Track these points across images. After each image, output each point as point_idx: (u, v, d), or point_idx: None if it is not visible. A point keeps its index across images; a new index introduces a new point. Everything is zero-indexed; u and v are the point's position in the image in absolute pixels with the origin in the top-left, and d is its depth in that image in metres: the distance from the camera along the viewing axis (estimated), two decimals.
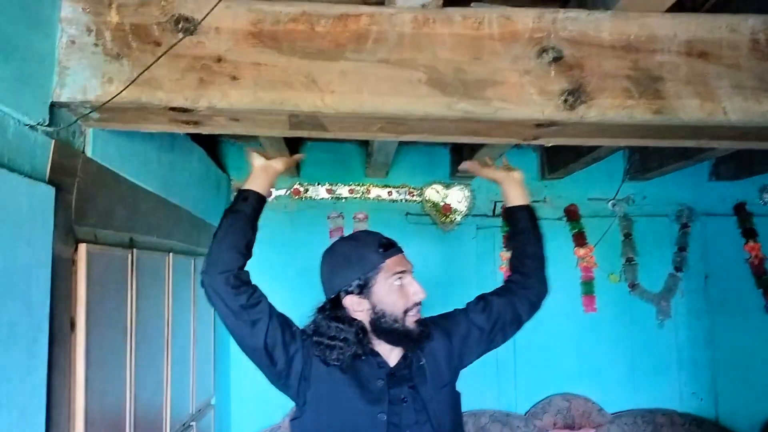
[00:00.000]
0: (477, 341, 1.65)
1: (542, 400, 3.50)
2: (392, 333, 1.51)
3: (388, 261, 1.52)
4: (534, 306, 1.72)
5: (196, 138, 2.58)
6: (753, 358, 3.65)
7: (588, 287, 3.60)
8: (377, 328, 1.52)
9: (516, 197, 1.77)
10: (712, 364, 3.63)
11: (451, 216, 3.61)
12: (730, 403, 3.61)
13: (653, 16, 1.45)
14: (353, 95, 1.42)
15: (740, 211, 3.71)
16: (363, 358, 1.52)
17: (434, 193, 3.64)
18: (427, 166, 3.63)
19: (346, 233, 3.40)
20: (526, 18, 1.46)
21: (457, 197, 3.63)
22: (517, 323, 1.70)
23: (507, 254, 3.53)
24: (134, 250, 1.85)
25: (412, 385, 1.51)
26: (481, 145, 2.87)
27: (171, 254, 2.25)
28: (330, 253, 1.59)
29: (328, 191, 3.52)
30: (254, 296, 1.47)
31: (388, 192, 3.55)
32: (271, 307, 1.50)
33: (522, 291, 1.70)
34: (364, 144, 3.23)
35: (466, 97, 1.45)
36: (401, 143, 3.14)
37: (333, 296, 1.55)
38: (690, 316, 3.65)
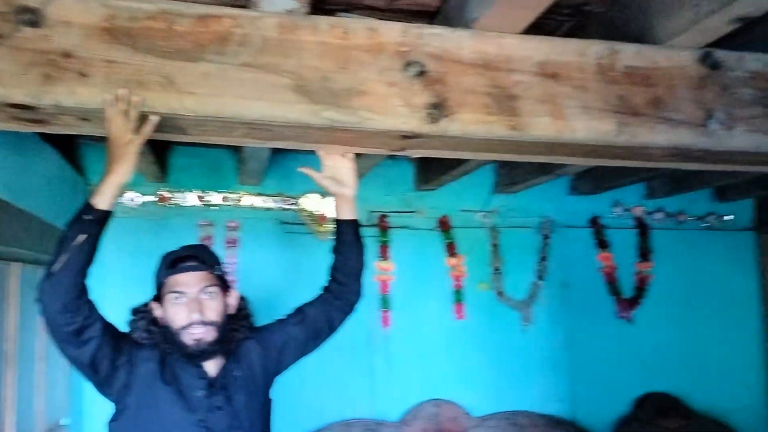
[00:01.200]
0: (292, 351, 1.83)
1: (414, 406, 3.56)
2: (175, 345, 1.65)
3: (170, 278, 1.67)
4: (347, 314, 1.88)
5: (50, 138, 2.40)
6: (607, 360, 3.92)
7: (458, 295, 3.72)
8: (167, 336, 1.65)
9: (345, 211, 1.89)
10: (570, 366, 3.87)
11: (327, 226, 3.60)
12: (587, 403, 3.85)
13: (509, 38, 1.52)
14: (214, 98, 1.38)
15: (595, 223, 3.99)
16: (184, 367, 1.65)
17: (310, 202, 3.61)
18: (302, 174, 3.60)
19: (217, 242, 3.36)
20: (392, 31, 1.49)
21: (333, 207, 3.62)
22: (330, 329, 1.88)
23: (383, 264, 3.59)
24: None
25: (228, 394, 1.67)
26: (357, 155, 2.90)
27: (17, 264, 2.08)
28: None
29: (199, 198, 3.41)
30: (89, 318, 1.51)
31: (263, 200, 3.49)
32: (104, 325, 1.56)
33: (337, 301, 1.86)
34: (237, 150, 3.15)
35: (333, 105, 1.46)
36: (276, 150, 3.10)
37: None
38: (550, 322, 3.87)
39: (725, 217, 4.18)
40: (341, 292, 1.86)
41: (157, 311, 1.70)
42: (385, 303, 3.55)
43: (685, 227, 4.14)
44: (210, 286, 1.69)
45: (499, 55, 1.52)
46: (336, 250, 1.91)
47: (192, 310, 1.63)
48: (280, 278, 3.46)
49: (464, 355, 3.71)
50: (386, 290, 3.57)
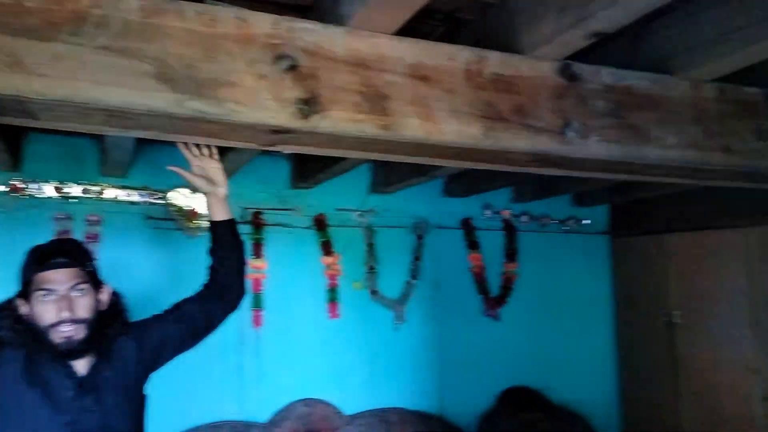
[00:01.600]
0: (169, 348, 1.82)
1: (284, 407, 3.51)
2: (43, 344, 1.59)
3: (39, 275, 1.61)
4: (228, 312, 1.89)
5: None
6: (474, 357, 4.07)
7: (333, 294, 3.71)
8: (34, 335, 1.59)
9: (220, 211, 1.90)
10: (439, 363, 3.98)
11: (197, 222, 3.47)
12: (454, 398, 3.98)
13: (383, 38, 1.53)
14: (67, 81, 1.27)
15: (466, 225, 4.14)
16: (53, 367, 1.59)
17: (180, 196, 3.46)
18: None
19: (76, 237, 3.13)
20: (262, 23, 1.45)
21: (204, 202, 3.49)
22: (209, 327, 1.88)
23: (257, 262, 3.51)
24: None
25: (99, 395, 1.63)
26: (228, 149, 2.81)
27: None
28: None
29: (56, 189, 3.16)
30: None
31: (127, 193, 3.30)
32: None
33: (218, 299, 1.86)
34: (99, 139, 2.95)
35: (197, 95, 1.39)
36: (142, 141, 2.94)
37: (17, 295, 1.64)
38: (422, 320, 3.96)
39: (583, 221, 4.48)
40: (223, 292, 1.86)
41: (23, 308, 1.64)
42: (257, 302, 3.48)
43: (548, 230, 4.40)
44: (80, 283, 1.65)
45: (371, 54, 1.52)
46: (213, 251, 1.89)
47: (61, 308, 1.59)
48: (146, 277, 3.29)
49: (337, 354, 3.71)
50: (259, 289, 3.50)
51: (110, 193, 3.25)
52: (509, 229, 4.26)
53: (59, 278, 1.62)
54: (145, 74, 1.34)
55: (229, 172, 3.20)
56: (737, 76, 1.87)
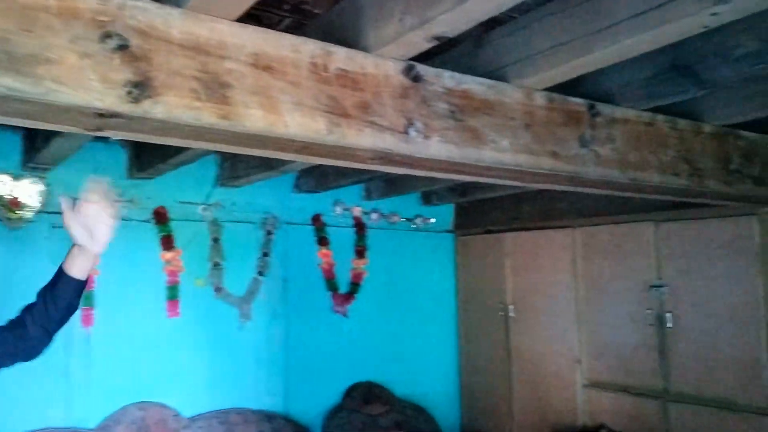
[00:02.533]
0: None
1: (117, 411, 3.29)
2: None
3: None
4: (24, 361, 1.64)
5: None
6: (322, 354, 4.07)
7: (173, 292, 3.54)
8: None
9: (79, 268, 1.63)
10: (285, 362, 3.93)
11: (19, 212, 3.15)
12: (300, 396, 3.96)
13: (223, 23, 1.46)
14: None
15: (316, 221, 4.12)
16: None
17: (1, 184, 3.13)
18: None
19: None
20: None
21: (28, 191, 3.18)
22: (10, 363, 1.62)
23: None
24: None
25: None
26: (55, 134, 2.57)
27: None
28: None
29: None
30: None
31: None
32: None
33: (21, 345, 1.60)
34: None
35: (11, 71, 1.24)
36: None
37: None
38: (269, 318, 3.90)
39: (430, 220, 4.63)
40: (30, 340, 1.61)
41: None
42: (87, 300, 3.22)
43: (397, 227, 4.50)
44: None
45: (211, 39, 1.45)
46: (44, 297, 1.63)
47: None
48: None
49: (176, 355, 3.54)
50: (90, 286, 3.24)
51: None
52: (359, 226, 4.31)
53: None
54: None
55: (57, 159, 2.96)
56: (566, 87, 2.01)
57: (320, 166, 3.50)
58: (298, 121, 1.56)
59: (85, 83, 1.32)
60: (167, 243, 3.52)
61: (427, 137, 1.75)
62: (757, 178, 2.58)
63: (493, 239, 4.49)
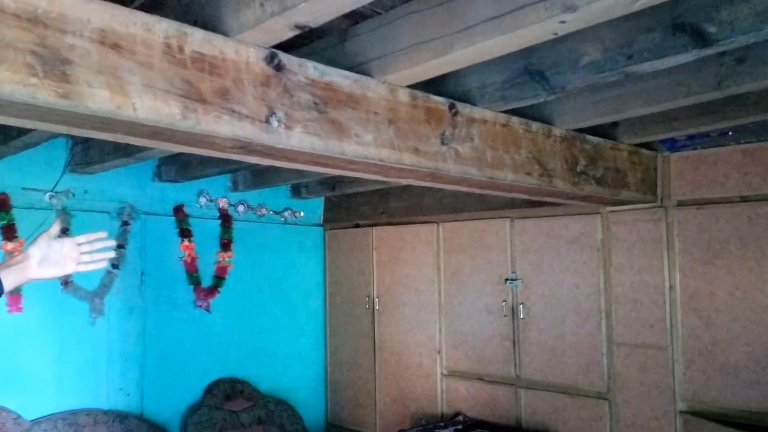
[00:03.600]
0: None
1: None
2: None
3: None
4: None
5: None
6: (181, 350, 3.92)
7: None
8: None
9: (9, 284, 1.57)
10: (141, 359, 3.74)
11: None
12: (156, 396, 3.79)
13: None
14: None
15: (178, 212, 3.95)
16: None
17: None
18: None
19: None
20: None
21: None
22: None
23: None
24: None
25: None
26: None
27: None
28: None
29: None
30: None
31: None
32: None
33: None
34: None
35: None
36: None
37: None
38: (124, 313, 3.69)
39: (299, 213, 4.60)
40: None
41: None
42: None
43: (265, 220, 4.42)
44: None
45: (50, 11, 1.33)
46: None
47: None
48: None
49: (18, 353, 3.27)
50: None
51: None
52: (225, 218, 4.18)
53: None
54: None
55: None
56: (429, 85, 2.06)
57: (182, 154, 3.36)
58: (148, 105, 1.48)
59: None
60: (8, 232, 3.22)
61: (288, 128, 1.73)
62: (600, 179, 2.79)
63: (361, 233, 4.54)
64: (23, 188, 3.30)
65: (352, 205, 4.59)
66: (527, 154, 2.38)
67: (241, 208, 4.28)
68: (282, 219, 4.51)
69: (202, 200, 4.08)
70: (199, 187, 4.03)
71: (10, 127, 2.68)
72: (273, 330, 4.43)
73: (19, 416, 3.19)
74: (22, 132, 2.60)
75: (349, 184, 3.95)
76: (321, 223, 4.82)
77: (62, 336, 3.44)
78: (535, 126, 2.46)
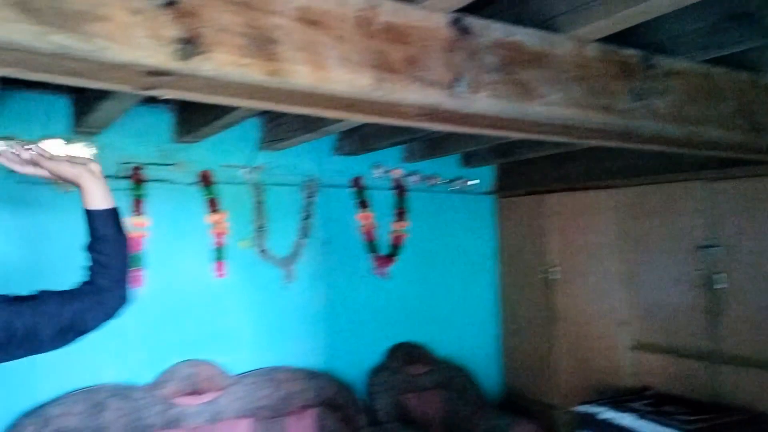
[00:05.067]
0: (15, 344, 1.38)
1: (168, 368, 3.39)
2: None
3: None
4: (104, 319, 1.51)
5: None
6: (362, 314, 4.11)
7: (219, 253, 3.60)
8: None
9: (96, 198, 1.51)
10: (328, 322, 3.98)
11: None
12: (342, 356, 4.02)
13: None
14: None
15: (357, 183, 4.12)
16: None
17: (50, 149, 3.18)
18: (42, 116, 3.16)
19: None
20: None
21: (79, 154, 3.23)
22: (79, 332, 1.47)
23: (137, 220, 3.31)
24: None
25: None
26: (104, 97, 2.60)
27: None
28: None
29: None
30: None
31: None
32: None
33: (94, 303, 1.48)
34: None
35: (63, 29, 1.25)
36: (6, 86, 2.67)
37: None
38: (311, 279, 3.94)
39: (470, 182, 4.59)
40: (102, 295, 1.49)
41: None
42: (136, 261, 3.30)
43: (437, 189, 4.47)
44: None
45: None
46: (91, 248, 1.51)
47: None
48: (12, 238, 3.03)
49: (224, 314, 3.62)
50: (139, 247, 3.32)
51: None
52: (399, 189, 4.29)
53: None
54: (4, 4, 1.18)
55: (106, 123, 3.01)
56: (618, 37, 1.94)
57: (361, 127, 3.49)
58: (344, 77, 1.54)
59: (135, 40, 1.32)
60: (213, 206, 3.57)
61: (474, 91, 1.72)
62: None
63: (535, 200, 4.43)
64: (223, 165, 3.62)
65: (526, 171, 4.49)
66: (733, 108, 2.17)
67: (414, 178, 4.37)
68: (454, 188, 4.54)
69: (378, 171, 4.22)
70: (375, 158, 4.16)
71: (212, 110, 2.96)
72: (447, 297, 4.50)
73: (225, 371, 3.55)
74: (222, 113, 2.84)
75: (523, 149, 3.86)
76: (493, 191, 4.78)
77: (260, 299, 3.75)
78: (741, 75, 2.22)
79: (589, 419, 3.39)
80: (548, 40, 1.82)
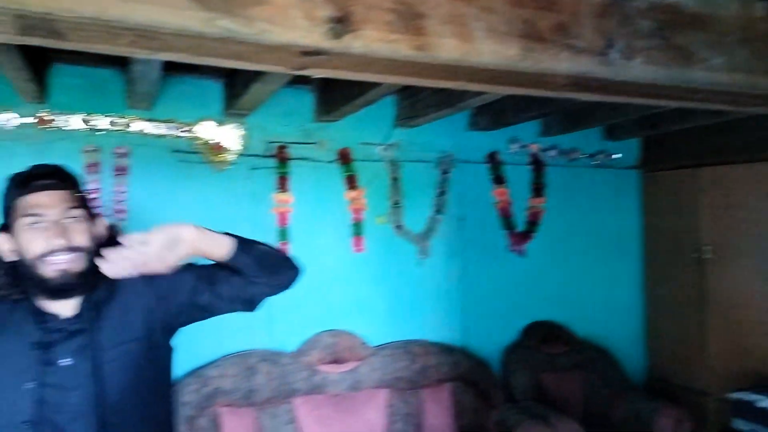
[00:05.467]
0: (190, 315, 1.59)
1: (311, 337, 3.57)
2: (31, 280, 1.39)
3: (23, 199, 1.39)
4: (277, 291, 1.66)
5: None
6: (498, 291, 4.08)
7: (357, 228, 3.71)
8: (20, 273, 1.39)
9: (214, 254, 1.51)
10: (463, 298, 3.99)
11: (223, 155, 3.45)
12: (477, 332, 4.02)
13: None
14: None
15: (492, 159, 4.07)
16: (25, 315, 1.39)
17: (205, 130, 3.43)
18: (197, 100, 3.40)
19: (105, 170, 3.14)
20: None
21: (230, 135, 3.46)
22: (250, 305, 1.65)
23: (282, 196, 3.49)
24: None
25: (81, 343, 1.39)
26: (253, 80, 2.75)
27: None
28: None
29: (84, 121, 3.14)
30: None
31: (154, 126, 3.26)
32: None
33: (271, 283, 1.63)
34: (125, 70, 2.91)
35: (228, 14, 1.34)
36: (168, 72, 2.90)
37: None
38: (446, 255, 3.96)
39: (614, 156, 4.38)
40: (275, 282, 1.63)
41: (5, 244, 1.40)
42: (283, 235, 3.49)
43: (576, 164, 4.32)
44: (73, 208, 1.42)
45: None
46: (249, 279, 1.58)
47: (54, 235, 1.36)
48: (173, 210, 3.30)
49: (362, 287, 3.74)
50: (285, 222, 3.50)
51: (137, 125, 3.21)
52: (537, 164, 4.19)
53: (48, 201, 1.39)
54: None
55: (254, 105, 3.19)
56: None
57: (497, 102, 3.43)
58: (490, 48, 1.53)
59: (291, 22, 1.38)
60: (351, 182, 3.68)
61: (628, 58, 1.64)
62: None
63: (686, 175, 4.15)
64: (361, 143, 3.71)
65: (675, 144, 4.21)
66: None
67: (552, 152, 4.24)
68: (595, 162, 4.35)
69: (514, 146, 4.14)
70: (510, 133, 4.08)
71: (352, 89, 3.04)
72: (587, 276, 4.35)
73: (364, 341, 3.67)
74: (361, 92, 2.90)
75: (670, 121, 3.61)
76: (638, 165, 4.54)
77: (396, 274, 3.83)
78: None
79: (746, 407, 3.17)
80: (709, 0, 1.69)
